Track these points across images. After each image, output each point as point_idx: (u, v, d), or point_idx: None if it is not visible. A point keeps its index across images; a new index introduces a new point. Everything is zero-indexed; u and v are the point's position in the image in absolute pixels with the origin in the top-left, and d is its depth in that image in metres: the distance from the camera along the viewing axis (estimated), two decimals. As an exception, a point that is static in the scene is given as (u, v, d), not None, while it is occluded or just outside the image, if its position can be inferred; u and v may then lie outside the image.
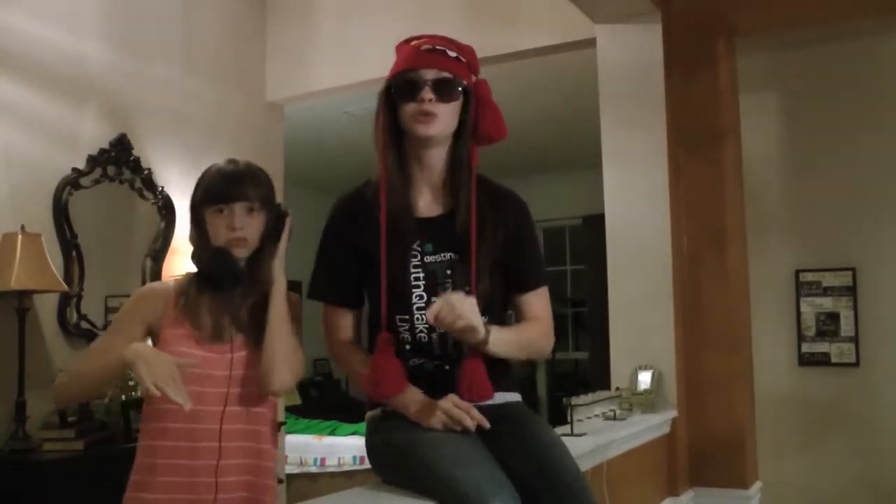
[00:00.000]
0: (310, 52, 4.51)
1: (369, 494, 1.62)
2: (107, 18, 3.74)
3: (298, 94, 4.62)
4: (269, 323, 1.68)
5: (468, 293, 1.56)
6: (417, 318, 1.60)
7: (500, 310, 1.70)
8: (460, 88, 1.60)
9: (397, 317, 1.61)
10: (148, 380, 1.47)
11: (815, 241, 3.93)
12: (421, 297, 1.60)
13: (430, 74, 1.58)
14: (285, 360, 1.68)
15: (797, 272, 3.95)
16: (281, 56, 4.60)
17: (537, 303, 1.73)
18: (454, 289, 1.57)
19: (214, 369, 1.68)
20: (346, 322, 1.71)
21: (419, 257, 1.61)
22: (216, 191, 1.71)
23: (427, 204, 1.66)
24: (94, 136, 3.63)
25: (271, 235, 1.74)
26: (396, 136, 1.63)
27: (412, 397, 1.60)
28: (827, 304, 3.89)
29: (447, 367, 1.63)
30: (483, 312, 1.53)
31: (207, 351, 1.69)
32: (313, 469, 5.47)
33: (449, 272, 1.60)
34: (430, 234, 1.62)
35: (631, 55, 3.45)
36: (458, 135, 1.64)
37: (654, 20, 3.41)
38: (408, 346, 1.63)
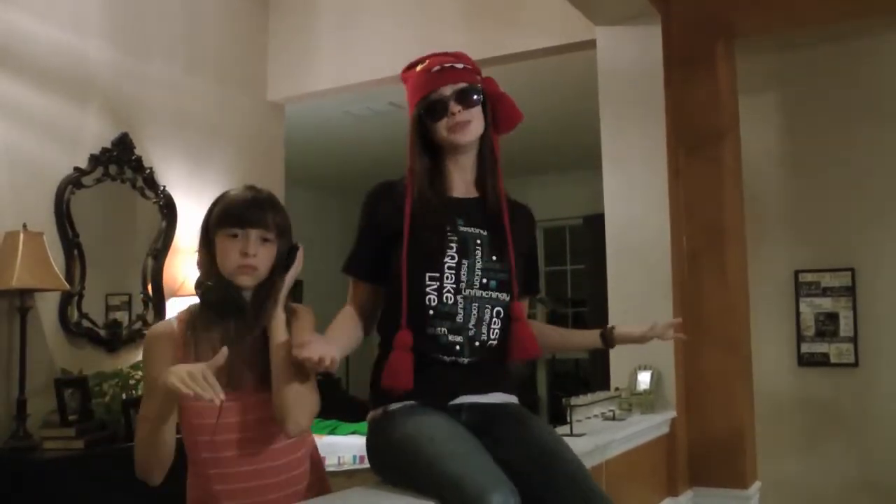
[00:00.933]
0: (311, 52, 4.51)
1: (370, 493, 1.63)
2: (109, 18, 3.75)
3: (300, 93, 4.62)
4: (272, 366, 1.62)
5: (493, 263, 1.72)
6: (447, 277, 1.69)
7: (522, 289, 1.81)
8: (479, 94, 1.76)
9: (427, 275, 1.69)
10: (179, 384, 1.43)
11: (815, 242, 3.94)
12: (453, 257, 1.70)
13: (449, 90, 1.74)
14: (297, 402, 1.60)
15: (796, 272, 3.95)
16: (282, 56, 4.61)
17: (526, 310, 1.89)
18: (482, 258, 1.71)
19: (231, 417, 1.62)
20: (360, 292, 1.79)
21: (453, 227, 1.73)
22: (234, 214, 1.66)
23: (460, 191, 1.80)
24: (96, 135, 3.64)
25: (280, 268, 1.69)
26: (427, 147, 1.78)
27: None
28: (826, 304, 3.90)
29: (458, 347, 1.68)
30: (509, 289, 1.72)
31: (230, 394, 1.57)
32: (313, 468, 5.48)
33: (478, 243, 1.72)
34: (462, 211, 1.76)
35: (631, 56, 3.46)
36: (483, 133, 1.80)
37: (653, 22, 3.42)
38: (431, 312, 1.68)
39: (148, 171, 3.83)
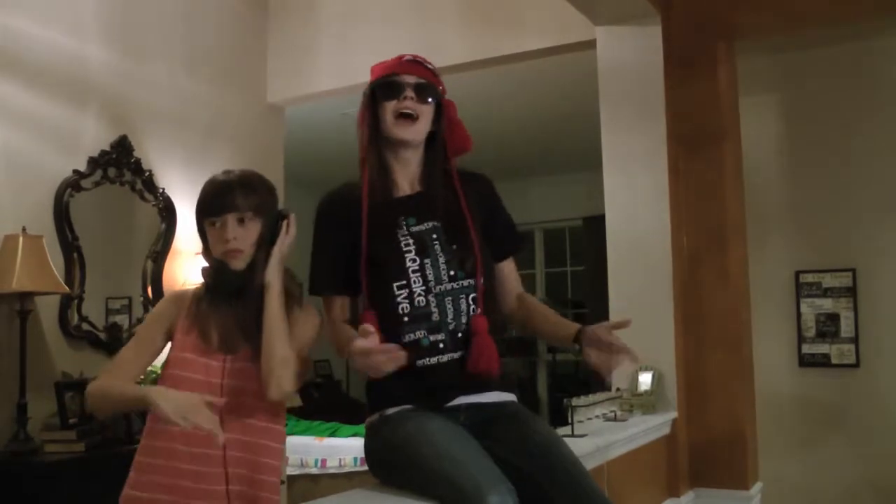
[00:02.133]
0: (310, 55, 4.51)
1: (370, 495, 1.62)
2: (108, 20, 3.75)
3: (299, 95, 4.62)
4: (264, 327, 1.67)
5: (454, 252, 1.71)
6: (414, 282, 1.67)
7: (500, 253, 1.84)
8: (436, 96, 1.77)
9: (395, 284, 1.67)
10: (174, 415, 1.49)
11: (816, 243, 3.94)
12: (414, 259, 1.68)
13: (411, 79, 1.75)
14: (283, 364, 1.65)
15: (797, 273, 3.95)
16: (282, 58, 4.61)
17: (514, 271, 1.91)
18: (442, 251, 1.70)
19: (210, 376, 1.70)
20: (339, 306, 1.77)
21: (405, 228, 1.72)
22: (207, 203, 1.74)
23: (403, 188, 1.80)
24: (95, 137, 3.63)
25: (270, 240, 1.73)
26: (377, 135, 1.78)
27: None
28: (827, 304, 3.90)
29: (441, 345, 1.66)
30: (473, 269, 1.70)
31: (209, 359, 1.71)
32: (314, 470, 5.47)
33: (434, 237, 1.71)
34: (410, 210, 1.75)
35: (631, 57, 3.45)
36: (429, 141, 1.80)
37: (654, 22, 3.41)
38: (406, 318, 1.66)
39: (147, 173, 3.83)
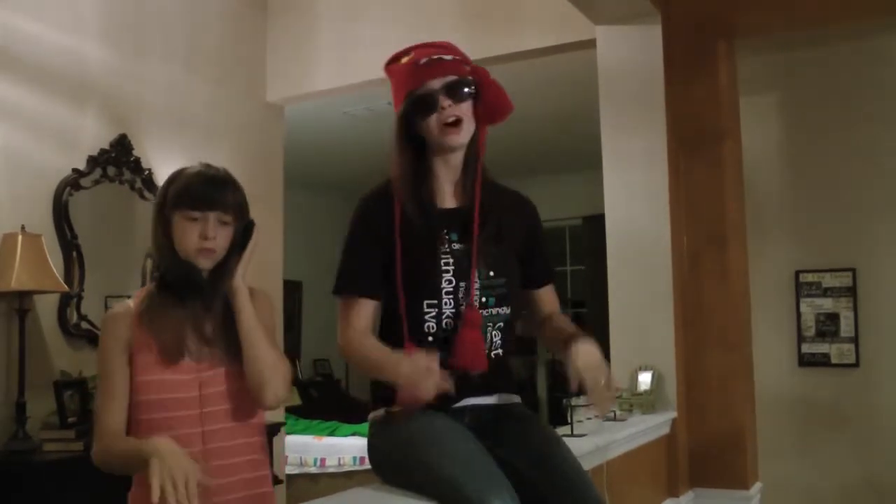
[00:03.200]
0: (310, 53, 4.51)
1: (370, 494, 1.62)
2: (107, 19, 3.75)
3: (298, 94, 4.62)
4: (243, 335, 1.63)
5: (490, 279, 1.65)
6: (445, 303, 1.62)
7: (534, 283, 1.80)
8: (471, 87, 1.66)
9: (425, 302, 1.62)
10: (157, 479, 1.38)
11: (815, 242, 3.93)
12: (450, 281, 1.62)
13: (437, 84, 1.63)
14: (274, 370, 1.62)
15: (797, 273, 3.95)
16: (281, 57, 4.60)
17: (552, 294, 1.87)
18: (478, 276, 1.63)
19: (184, 392, 1.63)
20: (366, 311, 1.67)
21: (447, 245, 1.64)
22: (194, 195, 1.64)
23: (449, 196, 1.70)
24: (95, 136, 3.63)
25: (237, 247, 1.68)
26: (413, 143, 1.68)
27: (397, 364, 1.56)
28: (827, 304, 3.89)
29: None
30: (508, 302, 1.67)
31: (178, 374, 1.62)
32: (313, 469, 5.47)
33: (475, 259, 1.64)
34: (454, 224, 1.66)
35: (631, 56, 3.45)
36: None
37: (654, 21, 3.41)
38: (430, 339, 1.62)
39: (146, 172, 3.82)
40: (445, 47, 1.70)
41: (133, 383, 1.62)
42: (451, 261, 1.63)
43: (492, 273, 1.65)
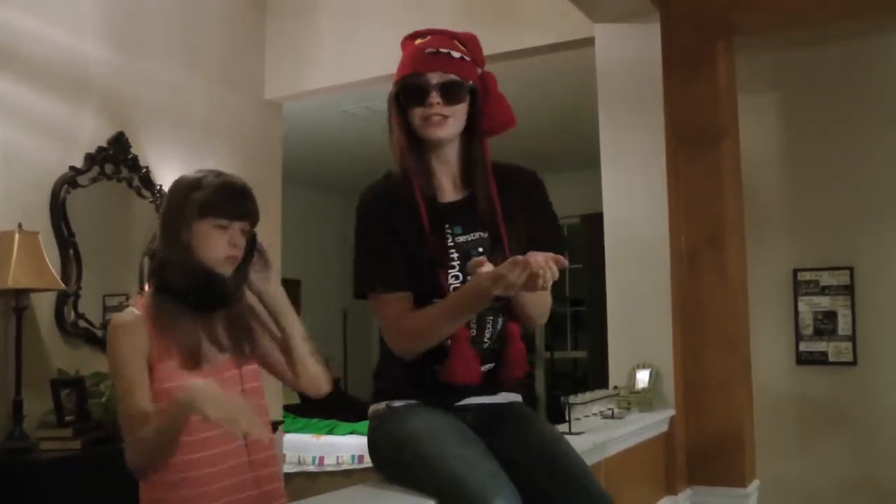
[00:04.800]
0: (309, 51, 4.50)
1: (370, 492, 1.62)
2: (106, 16, 3.74)
3: (297, 92, 4.61)
4: (280, 316, 1.73)
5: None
6: None
7: None
8: (467, 91, 1.63)
9: (434, 299, 1.60)
10: (220, 416, 1.39)
11: (813, 241, 3.93)
12: (457, 276, 1.60)
13: (435, 78, 1.60)
14: (310, 351, 1.75)
15: (795, 271, 3.95)
16: (280, 54, 4.59)
17: None
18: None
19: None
20: (409, 306, 1.61)
21: (451, 238, 1.62)
22: (225, 204, 1.65)
23: (448, 190, 1.68)
24: (92, 134, 3.62)
25: (248, 255, 1.72)
26: (412, 136, 1.65)
27: (469, 289, 1.53)
28: (825, 303, 3.89)
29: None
30: None
31: (198, 378, 1.59)
32: (312, 468, 5.47)
33: (480, 250, 1.61)
34: (457, 217, 1.64)
35: (630, 55, 3.45)
36: (469, 128, 1.67)
37: (652, 20, 3.40)
38: None
39: (144, 170, 3.82)
40: (464, 43, 1.66)
41: (154, 391, 1.60)
42: (455, 255, 1.61)
43: (498, 261, 1.59)
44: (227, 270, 1.69)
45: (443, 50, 1.62)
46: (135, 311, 1.67)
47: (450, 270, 1.60)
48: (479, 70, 1.67)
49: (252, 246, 1.72)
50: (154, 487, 1.62)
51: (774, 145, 4.02)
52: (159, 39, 4.01)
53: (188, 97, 4.13)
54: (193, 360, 1.62)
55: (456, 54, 1.63)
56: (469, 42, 1.68)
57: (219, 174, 1.73)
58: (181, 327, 1.64)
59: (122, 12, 3.83)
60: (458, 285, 1.59)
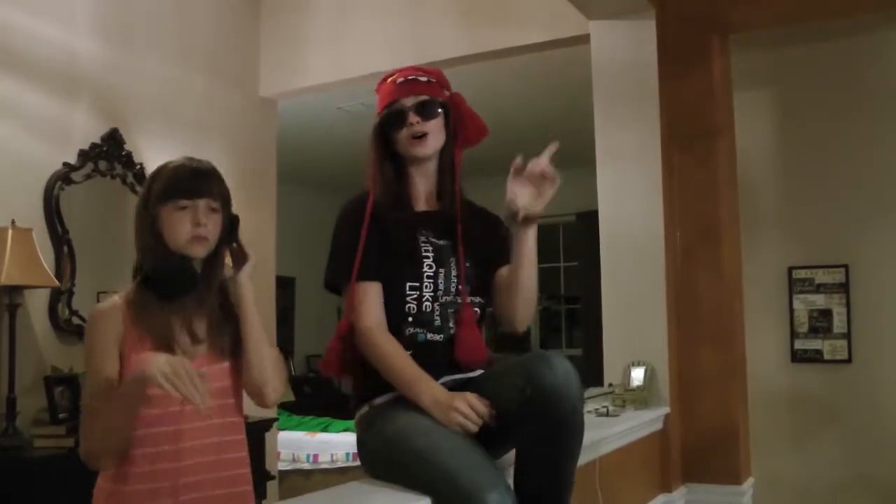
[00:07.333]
0: (304, 47, 4.49)
1: (364, 489, 1.62)
2: (99, 12, 3.72)
3: (292, 89, 4.60)
4: (249, 336, 1.66)
5: (467, 270, 1.81)
6: (426, 286, 1.75)
7: (486, 298, 1.87)
8: (439, 107, 1.83)
9: (408, 284, 1.75)
10: (161, 377, 1.39)
11: (808, 239, 3.94)
12: (431, 266, 1.76)
13: (410, 101, 1.81)
14: (275, 369, 1.68)
15: (790, 269, 3.95)
16: (275, 51, 4.58)
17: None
18: (455, 266, 1.79)
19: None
20: (378, 299, 1.74)
21: (426, 237, 1.80)
22: (182, 185, 1.65)
23: (423, 202, 1.87)
24: (86, 130, 3.61)
25: (225, 240, 1.70)
26: (390, 154, 1.85)
27: (430, 388, 1.65)
28: (820, 300, 3.90)
29: (439, 339, 1.75)
30: (471, 293, 1.80)
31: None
32: (306, 465, 5.47)
33: (451, 253, 1.81)
34: (429, 224, 1.82)
35: (625, 51, 3.44)
36: (445, 144, 1.87)
37: (648, 17, 3.40)
38: (410, 318, 1.74)
39: (138, 166, 3.80)
40: (427, 72, 1.87)
41: (124, 379, 1.59)
42: (430, 248, 1.78)
43: (468, 264, 1.80)
44: (198, 252, 1.65)
45: (411, 77, 1.84)
46: (115, 299, 1.67)
47: (425, 260, 1.76)
48: (447, 92, 1.88)
49: (233, 227, 1.71)
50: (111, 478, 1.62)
51: (769, 142, 4.03)
52: (154, 36, 4.00)
53: (183, 94, 4.12)
54: (165, 349, 1.58)
55: (423, 78, 1.85)
56: (434, 72, 1.89)
57: (185, 159, 1.72)
58: (155, 316, 1.62)
59: (115, 8, 3.81)
60: (432, 274, 1.75)
